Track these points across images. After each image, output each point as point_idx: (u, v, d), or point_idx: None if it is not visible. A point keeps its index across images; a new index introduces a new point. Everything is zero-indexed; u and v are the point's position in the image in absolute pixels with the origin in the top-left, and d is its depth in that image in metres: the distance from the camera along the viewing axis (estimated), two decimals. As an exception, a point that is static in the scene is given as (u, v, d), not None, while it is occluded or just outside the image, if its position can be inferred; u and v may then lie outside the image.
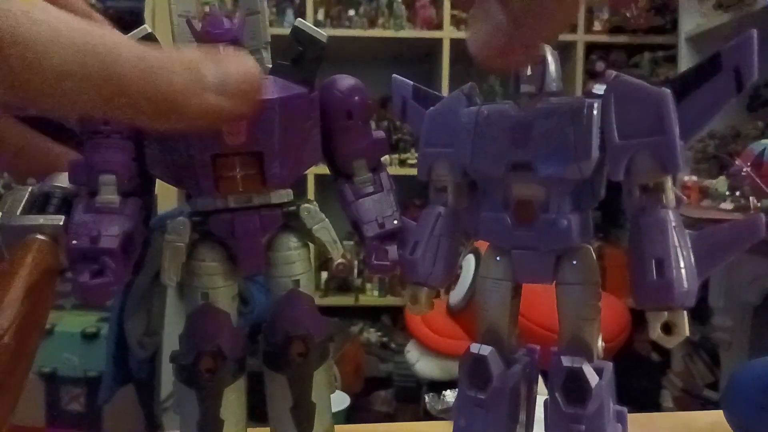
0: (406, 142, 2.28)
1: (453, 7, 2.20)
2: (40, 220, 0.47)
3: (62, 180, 0.51)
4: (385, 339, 2.58)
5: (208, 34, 0.48)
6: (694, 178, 1.96)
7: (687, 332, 0.43)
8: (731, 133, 1.96)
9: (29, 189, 0.50)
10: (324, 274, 2.59)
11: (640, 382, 2.27)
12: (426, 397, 1.11)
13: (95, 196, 0.48)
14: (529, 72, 0.47)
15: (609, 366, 0.49)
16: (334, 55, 0.50)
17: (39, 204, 0.49)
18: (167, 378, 1.61)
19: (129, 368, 1.74)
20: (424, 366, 1.64)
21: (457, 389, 0.53)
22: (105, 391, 1.81)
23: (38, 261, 0.44)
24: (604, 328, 0.50)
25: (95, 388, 2.20)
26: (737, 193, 1.75)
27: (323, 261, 2.56)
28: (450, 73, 2.15)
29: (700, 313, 2.02)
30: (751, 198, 1.65)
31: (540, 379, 0.56)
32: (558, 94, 0.48)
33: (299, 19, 0.53)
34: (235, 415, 0.52)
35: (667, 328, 0.43)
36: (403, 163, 2.23)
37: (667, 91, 0.44)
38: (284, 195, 0.52)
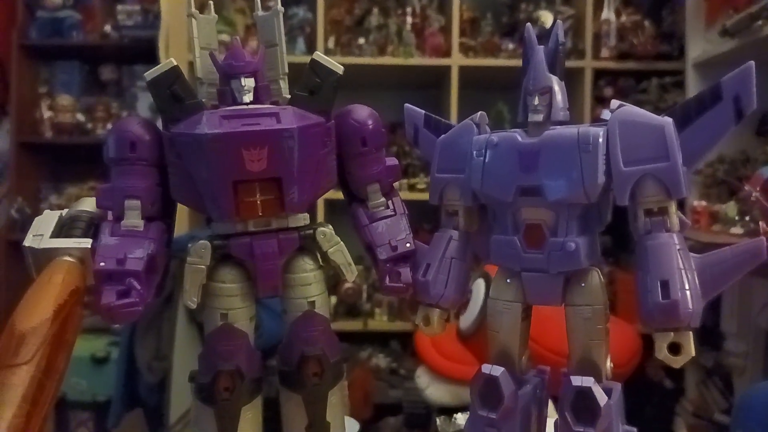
0: (416, 167, 2.29)
1: (462, 34, 2.24)
2: (69, 243, 0.49)
3: (88, 204, 0.54)
4: (394, 365, 2.57)
5: (230, 67, 0.51)
6: (704, 202, 1.96)
7: (693, 352, 0.44)
8: (741, 158, 1.97)
9: (58, 213, 0.52)
10: (332, 299, 2.60)
11: (653, 408, 2.24)
12: (437, 420, 1.11)
13: (121, 221, 0.50)
14: (536, 102, 0.49)
15: (618, 387, 0.50)
16: (344, 82, 0.53)
17: (67, 228, 0.51)
18: (176, 403, 1.61)
19: (138, 393, 1.74)
20: (435, 391, 1.63)
21: (468, 412, 0.53)
22: (114, 415, 1.81)
23: (67, 282, 0.46)
24: (615, 354, 0.51)
25: (104, 413, 2.20)
26: (747, 218, 1.75)
27: (332, 285, 2.56)
28: (459, 99, 2.19)
29: (712, 339, 2.00)
30: (760, 222, 1.65)
31: (550, 402, 0.57)
32: (565, 122, 0.50)
33: (317, 52, 0.55)
34: (252, 434, 0.53)
35: (674, 349, 0.44)
36: (412, 187, 2.24)
37: (669, 119, 0.46)
38: (301, 219, 0.54)
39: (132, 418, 1.84)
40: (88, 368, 2.36)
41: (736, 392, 1.97)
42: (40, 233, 0.50)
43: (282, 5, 0.54)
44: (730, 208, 1.82)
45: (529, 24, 0.52)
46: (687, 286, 0.43)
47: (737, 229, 1.75)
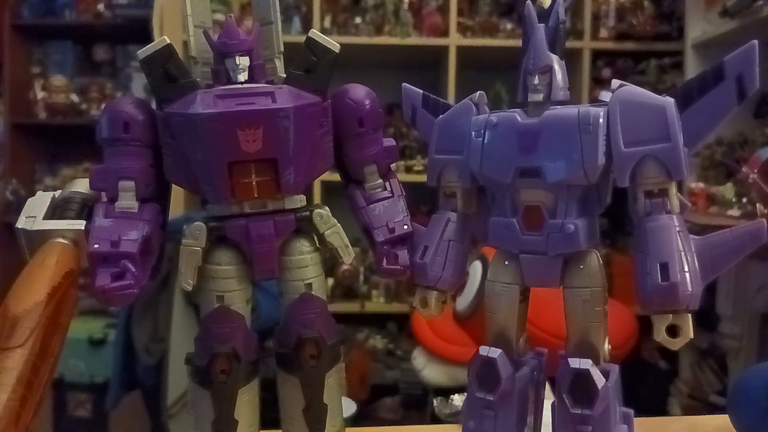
0: (413, 149, 2.28)
1: (460, 14, 2.21)
2: (63, 225, 0.49)
3: (82, 186, 0.53)
4: (391, 346, 2.59)
5: (224, 45, 0.50)
6: (701, 184, 1.96)
7: (691, 335, 0.44)
8: (738, 140, 1.96)
9: (51, 195, 0.51)
10: (329, 281, 2.60)
11: (648, 389, 2.27)
12: (434, 401, 1.11)
13: (115, 202, 0.49)
14: (536, 81, 0.48)
15: (615, 368, 0.50)
16: (340, 63, 0.52)
17: (60, 209, 0.50)
18: (174, 384, 1.62)
19: (136, 374, 1.75)
20: (431, 373, 1.64)
21: (465, 393, 0.53)
22: (112, 397, 1.82)
23: (61, 264, 0.45)
24: (611, 336, 0.51)
25: (102, 394, 2.21)
26: (744, 200, 1.75)
27: (329, 268, 2.57)
28: (456, 80, 2.17)
29: (707, 321, 2.01)
30: (758, 205, 1.65)
31: (547, 384, 0.57)
32: (565, 102, 0.49)
33: (312, 30, 0.54)
34: (249, 416, 0.53)
35: (672, 331, 0.44)
36: (409, 169, 2.23)
37: (671, 100, 0.45)
38: (297, 200, 0.53)
39: (130, 400, 1.86)
40: (85, 350, 2.38)
41: (731, 374, 1.99)
42: (33, 215, 0.49)
43: (277, -17, 0.53)
44: (728, 190, 1.82)
45: (529, 1, 0.51)
46: (686, 269, 0.43)
47: (734, 211, 1.75)
